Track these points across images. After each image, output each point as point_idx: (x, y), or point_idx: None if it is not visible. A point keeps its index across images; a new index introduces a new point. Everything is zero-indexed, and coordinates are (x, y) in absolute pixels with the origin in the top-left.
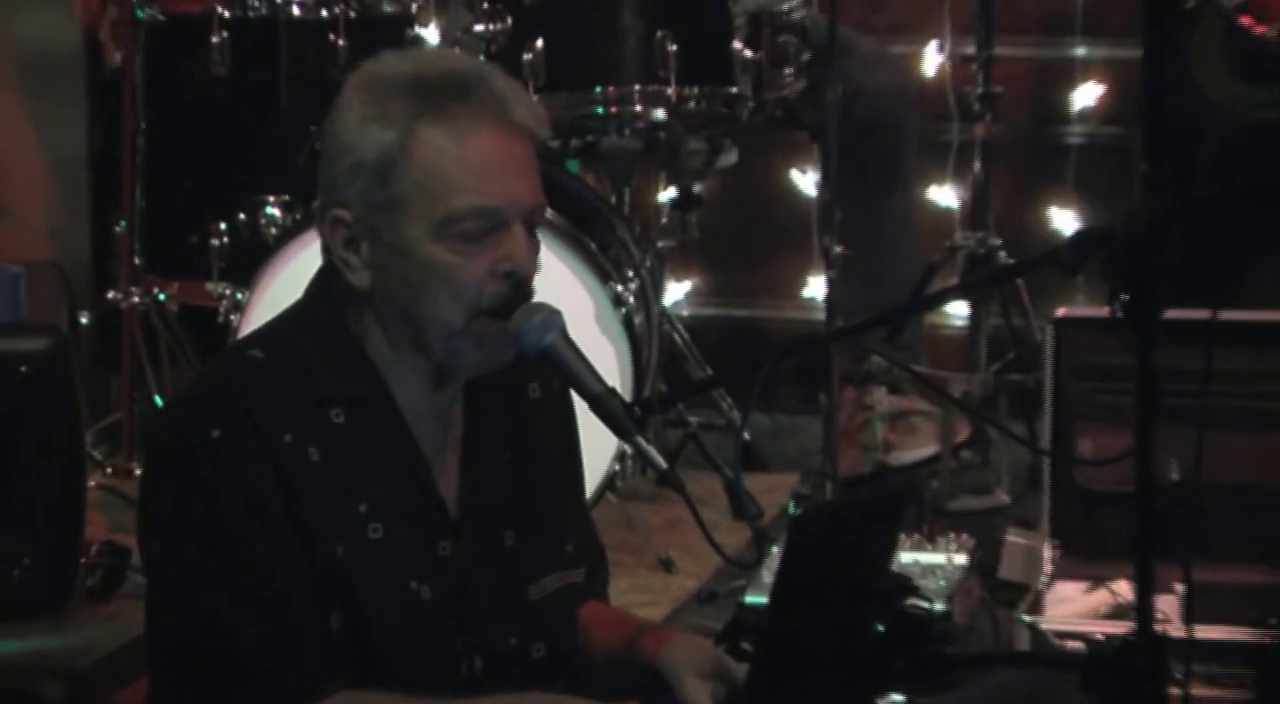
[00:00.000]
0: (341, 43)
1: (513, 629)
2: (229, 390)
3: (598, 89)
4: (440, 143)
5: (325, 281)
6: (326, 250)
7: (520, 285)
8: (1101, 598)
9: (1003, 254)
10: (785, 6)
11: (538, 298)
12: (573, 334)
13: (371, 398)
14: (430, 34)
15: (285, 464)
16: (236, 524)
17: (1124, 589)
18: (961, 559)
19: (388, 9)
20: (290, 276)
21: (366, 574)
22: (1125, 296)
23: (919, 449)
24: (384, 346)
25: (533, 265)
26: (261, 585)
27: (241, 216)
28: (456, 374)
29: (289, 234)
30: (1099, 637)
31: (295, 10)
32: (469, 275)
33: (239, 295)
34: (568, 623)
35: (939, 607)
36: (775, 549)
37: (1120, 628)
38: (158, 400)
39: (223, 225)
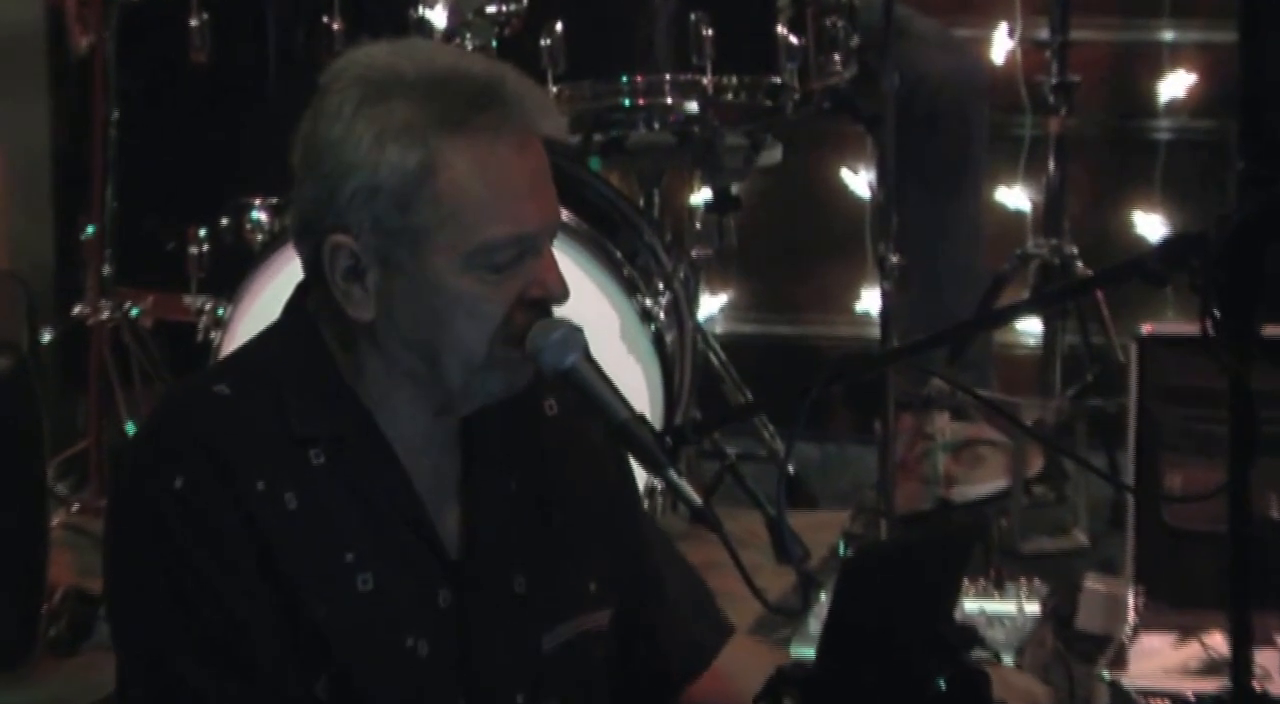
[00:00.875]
0: (336, 25)
1: (521, 685)
2: (192, 433)
3: (624, 78)
4: (467, 164)
5: (300, 306)
6: (309, 268)
7: (548, 312)
8: (1192, 651)
9: (1080, 264)
10: None
11: (556, 313)
12: (595, 353)
13: (356, 434)
14: (437, 16)
15: (259, 514)
16: (207, 586)
17: (1218, 641)
18: (1034, 608)
19: None
20: (278, 289)
21: (356, 631)
22: (1218, 311)
23: (986, 483)
24: (380, 377)
25: (566, 289)
26: (237, 654)
27: (224, 221)
28: (471, 405)
29: (277, 241)
30: (1189, 696)
31: None
32: (497, 306)
33: (221, 310)
34: (585, 676)
35: (1007, 660)
36: (823, 595)
37: (1214, 685)
38: (129, 427)
39: (203, 231)
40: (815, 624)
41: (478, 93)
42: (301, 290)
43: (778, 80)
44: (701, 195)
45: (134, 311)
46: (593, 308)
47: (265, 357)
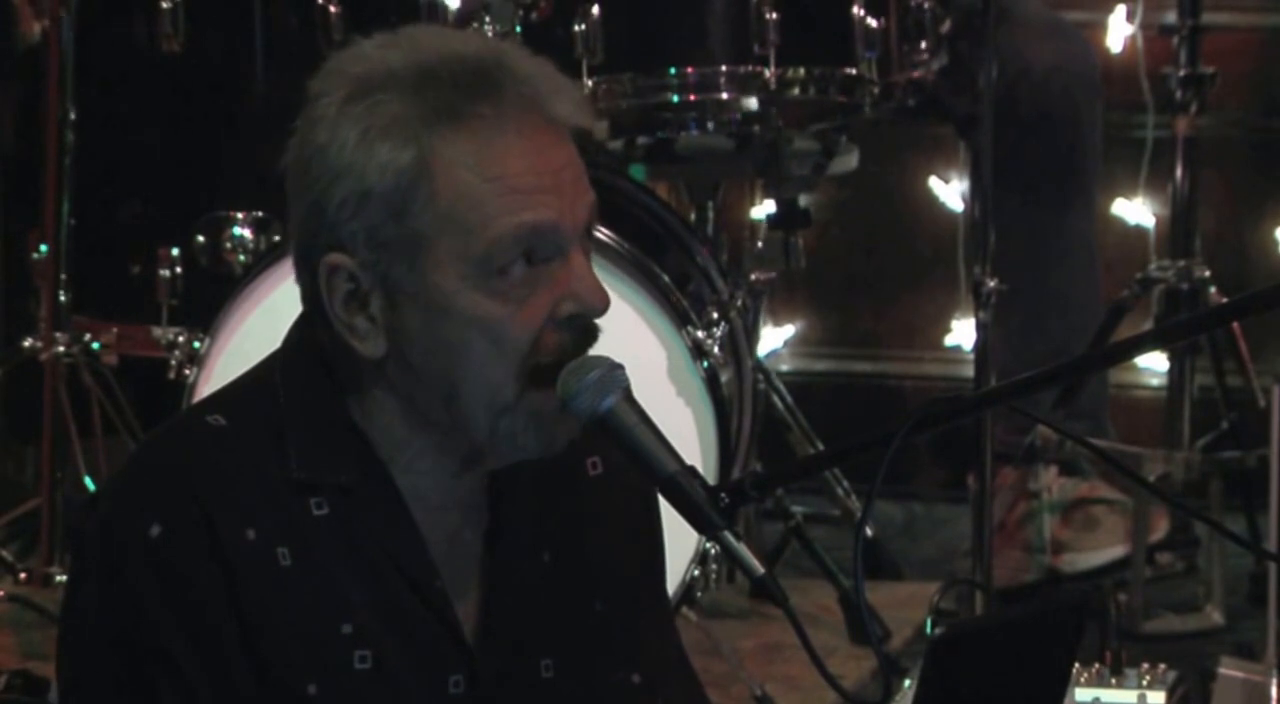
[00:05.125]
0: (334, 9)
1: None
2: (175, 470)
3: (673, 70)
4: (466, 157)
5: (306, 333)
6: (310, 302)
7: (589, 332)
8: None
9: (1214, 290)
10: None
11: (593, 349)
12: (639, 395)
13: (366, 485)
14: None
15: (245, 569)
16: (178, 652)
17: None
18: (1158, 698)
19: None
20: (263, 318)
21: None
22: None
23: (1102, 550)
24: (395, 423)
25: (604, 300)
26: None
27: (200, 239)
28: (500, 459)
29: (263, 263)
30: None
31: None
32: (523, 327)
33: (196, 343)
34: None
35: None
36: (908, 683)
37: None
38: (88, 483)
39: (175, 251)
40: None
41: (472, 77)
42: (304, 321)
43: (853, 72)
44: (764, 209)
45: (94, 346)
46: (636, 342)
47: (266, 389)
